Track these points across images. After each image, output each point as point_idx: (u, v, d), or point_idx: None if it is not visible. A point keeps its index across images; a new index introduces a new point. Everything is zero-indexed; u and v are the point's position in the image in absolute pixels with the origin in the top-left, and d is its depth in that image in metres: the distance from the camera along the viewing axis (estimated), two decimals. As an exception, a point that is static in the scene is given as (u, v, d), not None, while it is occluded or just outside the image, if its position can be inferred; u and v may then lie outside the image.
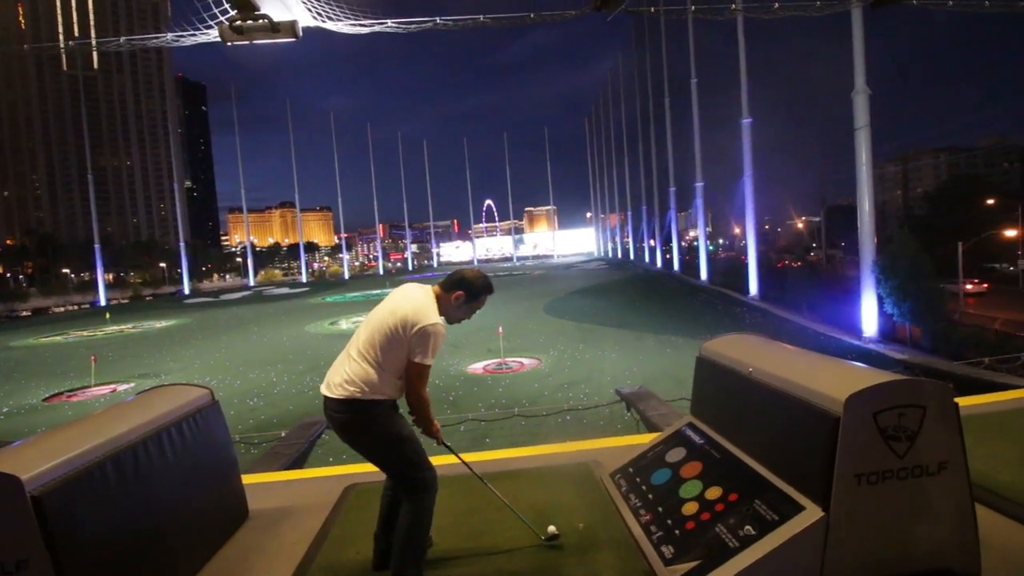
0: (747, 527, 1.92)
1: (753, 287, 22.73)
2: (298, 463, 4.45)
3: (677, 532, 2.08)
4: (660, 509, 2.25)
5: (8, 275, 64.93)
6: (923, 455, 1.83)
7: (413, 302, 2.14)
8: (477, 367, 12.87)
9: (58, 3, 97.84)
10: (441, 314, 2.20)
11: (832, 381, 1.94)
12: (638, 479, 2.55)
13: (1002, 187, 46.91)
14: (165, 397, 2.42)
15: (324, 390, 2.13)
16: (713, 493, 2.15)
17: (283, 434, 5.78)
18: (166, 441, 2.16)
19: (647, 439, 3.12)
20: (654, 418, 4.73)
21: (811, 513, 1.81)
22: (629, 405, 6.08)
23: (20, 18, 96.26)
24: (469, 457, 2.51)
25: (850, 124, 15.50)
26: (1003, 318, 17.54)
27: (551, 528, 2.31)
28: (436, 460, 2.29)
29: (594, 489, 2.72)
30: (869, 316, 15.25)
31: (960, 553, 1.88)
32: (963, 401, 2.96)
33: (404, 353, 2.09)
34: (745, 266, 23.81)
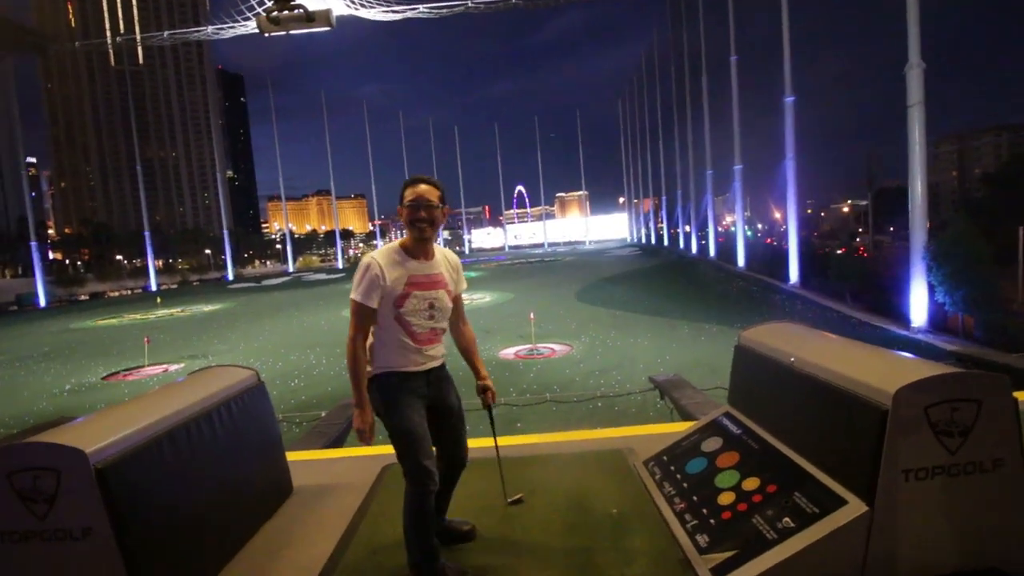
0: (786, 519, 1.88)
1: (794, 274, 21.96)
2: (338, 442, 4.62)
3: (712, 522, 2.06)
4: (695, 498, 2.24)
5: (67, 262, 68.88)
6: (977, 451, 1.75)
7: None
8: (508, 352, 12.94)
9: (105, 1, 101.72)
10: (404, 243, 2.07)
11: (880, 372, 1.87)
12: (672, 467, 2.54)
13: (1071, 167, 43.51)
14: (214, 378, 2.54)
15: None
16: (751, 484, 2.12)
17: (323, 415, 6.00)
18: (216, 419, 2.28)
19: (682, 427, 3.09)
20: (689, 407, 4.67)
21: (854, 507, 1.77)
22: (663, 393, 6.01)
23: (70, 16, 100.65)
24: (504, 440, 2.54)
25: (903, 101, 14.65)
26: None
27: (520, 495, 2.43)
28: (471, 441, 2.31)
29: (627, 476, 2.72)
30: (919, 304, 14.54)
31: (1011, 553, 1.80)
32: (1022, 396, 2.81)
33: None
34: (784, 252, 23.01)
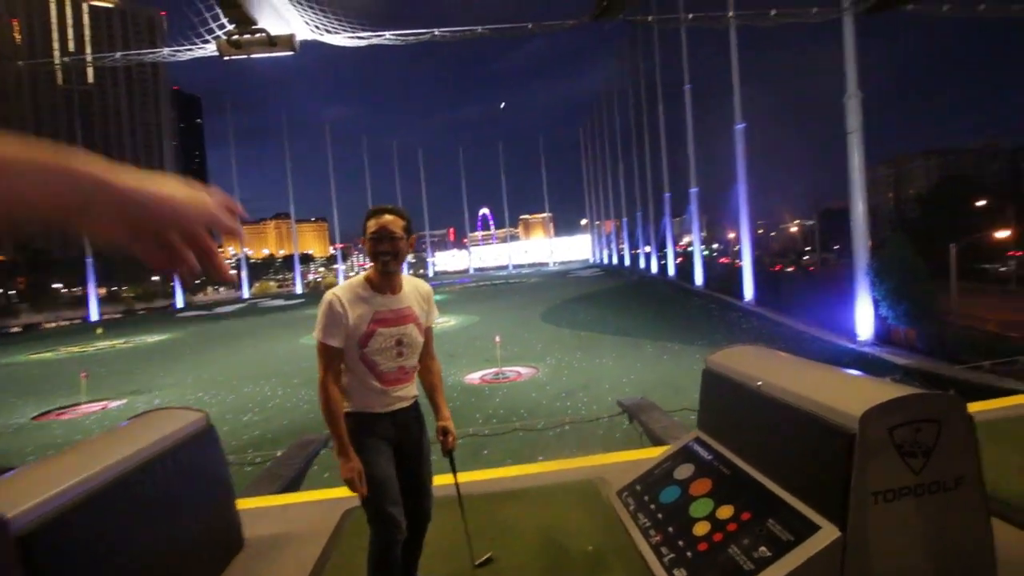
0: (762, 548, 1.86)
1: (748, 292, 22.77)
2: (294, 485, 4.34)
3: (689, 554, 2.02)
4: (671, 529, 2.19)
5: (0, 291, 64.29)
6: (940, 471, 1.79)
7: None
8: (474, 377, 12.77)
9: (54, 19, 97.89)
10: (369, 276, 1.97)
11: (846, 396, 1.90)
12: (646, 497, 2.49)
13: (992, 188, 47.48)
14: (159, 422, 2.34)
15: None
16: (725, 512, 2.09)
17: (279, 453, 5.66)
18: (160, 470, 2.08)
19: (652, 453, 3.06)
20: (657, 430, 4.68)
21: (828, 533, 1.76)
22: (631, 417, 6.02)
23: (15, 34, 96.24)
24: (472, 476, 2.43)
25: (843, 128, 15.63)
26: (996, 319, 17.63)
27: (488, 555, 2.27)
28: (437, 479, 2.20)
29: (601, 508, 2.65)
30: (864, 319, 15.29)
31: (978, 569, 1.83)
32: (973, 407, 2.92)
33: None
34: (740, 271, 23.87)
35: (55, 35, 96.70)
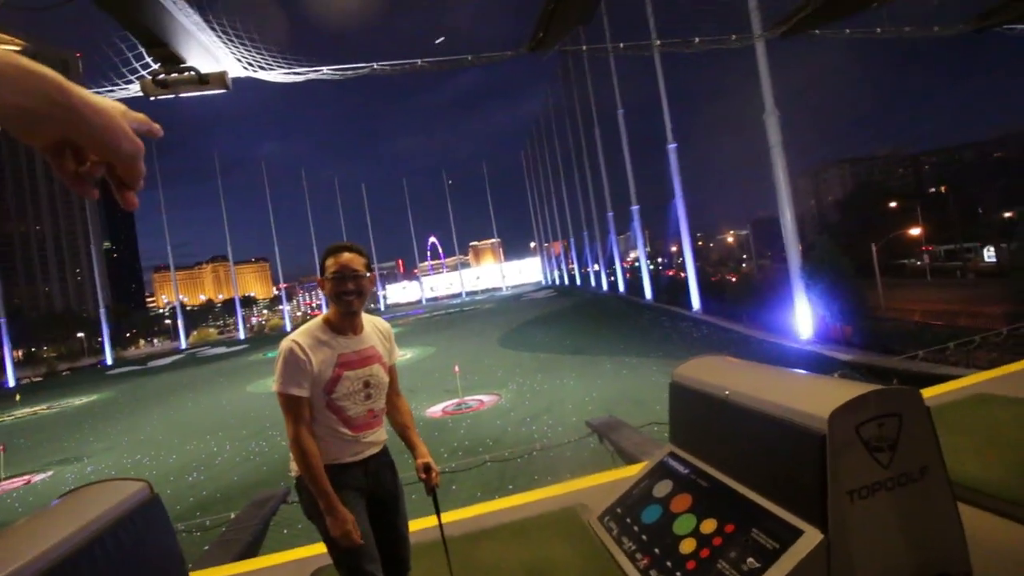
0: (750, 559, 1.85)
1: (696, 302, 23.64)
2: (253, 549, 3.97)
3: (679, 574, 1.99)
4: (657, 551, 2.15)
5: None
6: (906, 462, 1.85)
7: None
8: (436, 410, 12.47)
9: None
10: (328, 318, 1.88)
11: (811, 398, 1.95)
12: (628, 519, 2.45)
13: (900, 191, 52.04)
14: (95, 498, 2.09)
15: None
16: (708, 526, 2.08)
17: (232, 515, 5.22)
18: (99, 552, 1.85)
19: (628, 472, 3.04)
20: (629, 448, 4.67)
21: (811, 536, 1.78)
22: (601, 436, 6.01)
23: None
24: (446, 516, 2.30)
25: (765, 142, 16.74)
26: (919, 309, 19.12)
27: None
28: (412, 523, 2.07)
29: (584, 536, 2.59)
30: (804, 319, 16.17)
31: (951, 554, 1.89)
32: (927, 393, 3.09)
33: None
34: (685, 282, 24.80)
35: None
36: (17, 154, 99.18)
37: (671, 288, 29.78)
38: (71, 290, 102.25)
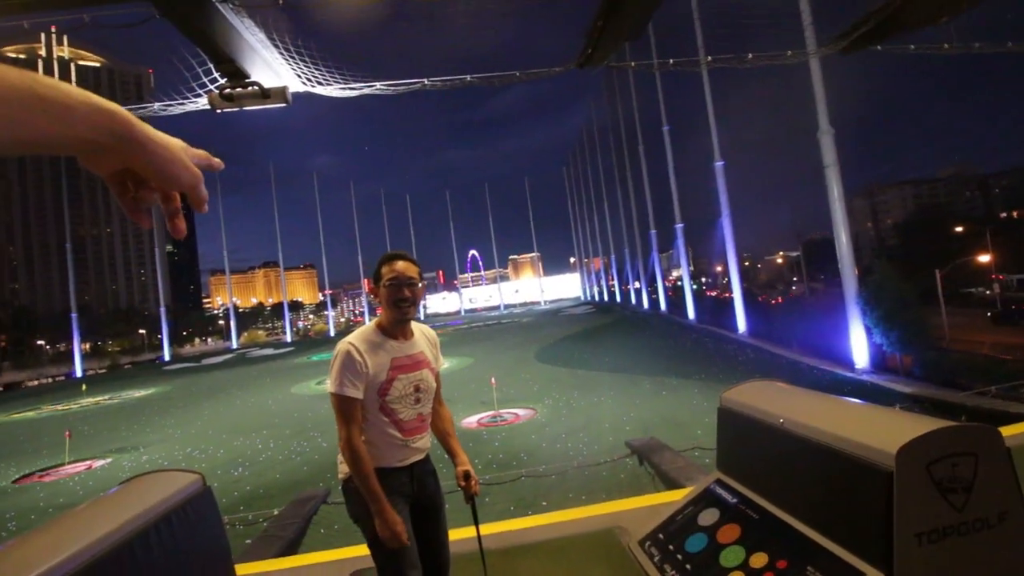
0: (804, 599, 1.75)
1: (742, 324, 22.85)
2: (293, 546, 4.07)
3: (726, 609, 1.89)
4: (702, 582, 2.06)
5: (-21, 350, 62.68)
6: (982, 507, 1.71)
7: None
8: (471, 421, 12.48)
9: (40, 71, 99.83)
10: (380, 323, 1.94)
11: (876, 431, 1.83)
12: (671, 546, 2.36)
13: (968, 215, 48.97)
14: (151, 487, 2.19)
15: None
16: (758, 560, 1.98)
17: (275, 512, 5.37)
18: (154, 539, 1.93)
19: (670, 497, 2.94)
20: (671, 472, 4.51)
21: (874, 580, 1.66)
22: (642, 459, 5.84)
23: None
24: (483, 529, 2.27)
25: (819, 161, 16.12)
26: (988, 342, 17.78)
27: None
28: (450, 533, 2.06)
29: (623, 560, 2.51)
30: (859, 347, 15.31)
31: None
32: (1006, 432, 2.86)
33: None
34: (731, 303, 24.02)
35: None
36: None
37: (714, 308, 28.91)
38: (135, 289, 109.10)
